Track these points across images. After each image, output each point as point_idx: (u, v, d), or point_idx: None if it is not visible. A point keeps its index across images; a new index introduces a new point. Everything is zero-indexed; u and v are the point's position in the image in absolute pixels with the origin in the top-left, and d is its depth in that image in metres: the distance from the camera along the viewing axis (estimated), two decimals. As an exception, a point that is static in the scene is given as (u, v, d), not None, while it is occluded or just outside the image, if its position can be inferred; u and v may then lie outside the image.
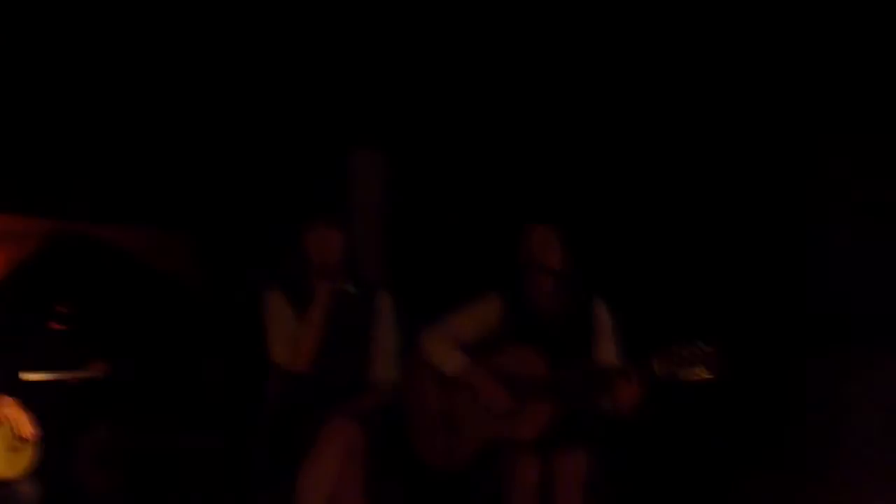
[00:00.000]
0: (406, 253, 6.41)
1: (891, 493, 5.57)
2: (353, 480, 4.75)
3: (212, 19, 6.34)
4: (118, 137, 7.00)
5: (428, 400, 5.19)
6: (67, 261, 6.63)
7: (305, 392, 5.08)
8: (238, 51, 6.53)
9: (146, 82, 6.77)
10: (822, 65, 5.77)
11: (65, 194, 6.77)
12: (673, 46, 5.97)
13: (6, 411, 4.66)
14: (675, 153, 6.02)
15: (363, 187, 6.70)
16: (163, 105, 6.96)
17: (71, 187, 6.83)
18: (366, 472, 4.81)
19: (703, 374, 4.55)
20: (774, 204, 5.98)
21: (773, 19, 5.73)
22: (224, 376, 6.66)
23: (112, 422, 6.37)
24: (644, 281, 5.89)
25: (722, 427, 5.86)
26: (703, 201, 5.99)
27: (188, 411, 6.60)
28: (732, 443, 5.86)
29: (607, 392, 4.84)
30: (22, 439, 4.63)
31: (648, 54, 6.03)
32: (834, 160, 5.89)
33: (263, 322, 5.14)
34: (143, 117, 6.95)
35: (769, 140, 5.97)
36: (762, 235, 5.98)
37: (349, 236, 5.20)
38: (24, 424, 4.65)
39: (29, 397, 4.81)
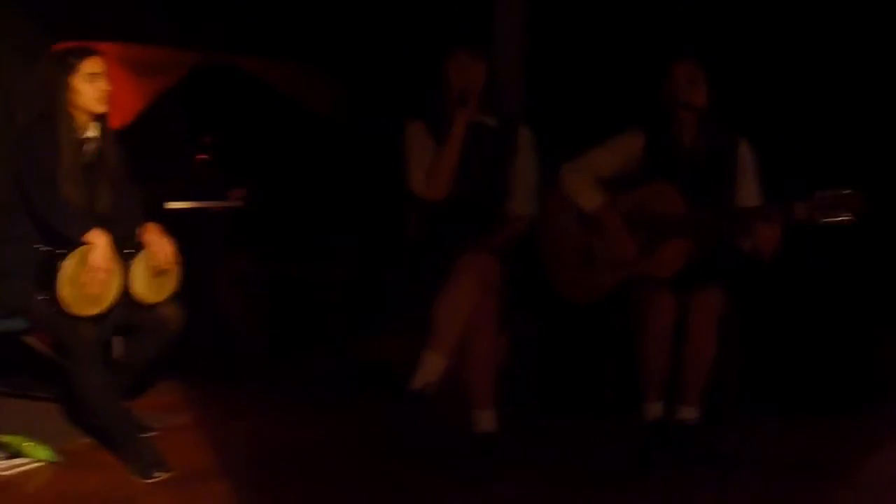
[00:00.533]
0: (548, 87, 6.33)
1: None
2: (488, 311, 4.77)
3: None
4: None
5: (566, 235, 5.20)
6: (214, 91, 6.70)
7: (443, 223, 5.10)
8: None
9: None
10: None
11: (214, 27, 6.81)
12: None
13: (151, 237, 4.74)
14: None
15: (505, 21, 6.60)
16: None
17: (220, 21, 6.87)
18: (501, 303, 4.83)
19: (844, 217, 4.46)
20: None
21: None
22: (365, 207, 6.72)
23: (253, 250, 6.48)
24: (788, 122, 5.72)
25: (859, 272, 5.74)
26: (852, 44, 5.77)
27: (326, 241, 6.69)
28: (868, 288, 5.75)
29: (747, 233, 4.77)
30: (166, 264, 4.73)
31: None
32: None
33: (403, 152, 5.15)
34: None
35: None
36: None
37: (491, 67, 5.14)
38: (169, 250, 4.74)
39: (173, 224, 4.88)
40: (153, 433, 4.89)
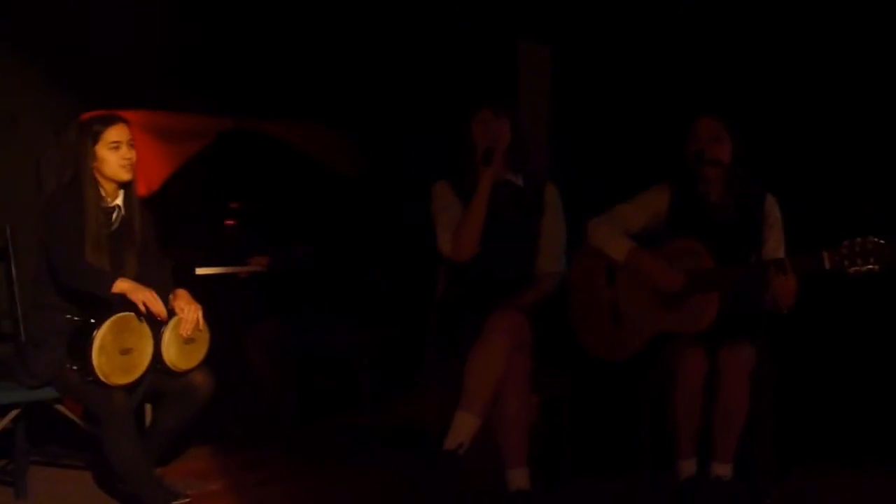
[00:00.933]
0: (573, 145, 6.35)
1: None
2: (520, 370, 4.77)
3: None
4: (290, 39, 7.08)
5: (595, 292, 5.19)
6: (239, 156, 6.74)
7: (472, 282, 5.11)
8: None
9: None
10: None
11: (240, 94, 6.87)
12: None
13: (182, 304, 4.76)
14: (850, 44, 5.80)
15: (530, 80, 6.64)
16: (335, 5, 7.01)
17: (246, 88, 6.94)
18: (532, 361, 4.82)
19: (872, 266, 4.46)
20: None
21: None
22: (389, 268, 6.73)
23: (281, 315, 6.49)
24: (814, 176, 5.71)
25: (885, 323, 5.70)
26: (877, 96, 5.76)
27: (355, 304, 6.69)
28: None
29: (766, 285, 4.76)
30: (196, 331, 4.74)
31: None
32: None
33: (431, 212, 5.17)
34: (312, 18, 7.00)
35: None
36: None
37: (516, 126, 5.16)
38: (198, 317, 4.75)
39: (202, 290, 4.90)
40: (185, 500, 4.87)
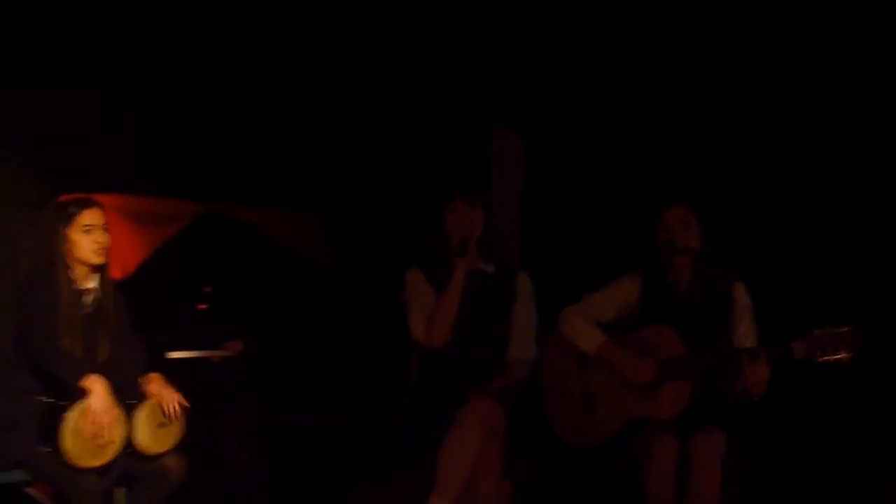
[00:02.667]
0: (544, 233, 6.40)
1: None
2: (493, 458, 4.81)
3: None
4: (265, 124, 7.14)
5: (567, 379, 5.22)
6: (214, 241, 6.76)
7: (445, 370, 5.13)
8: (379, 31, 6.59)
9: (284, 72, 6.90)
10: None
11: (213, 179, 6.91)
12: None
13: (155, 388, 4.74)
14: (814, 133, 5.89)
15: (503, 167, 6.71)
16: (301, 90, 7.07)
17: (219, 173, 6.97)
18: (505, 449, 4.83)
19: (843, 355, 4.51)
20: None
21: None
22: (361, 354, 6.74)
23: (254, 399, 6.48)
24: (782, 262, 5.77)
25: (857, 410, 5.74)
26: (842, 180, 5.85)
27: (327, 389, 6.69)
28: (867, 427, 5.74)
29: (738, 373, 4.79)
30: (170, 416, 4.72)
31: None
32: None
33: (403, 299, 5.20)
34: (282, 102, 7.07)
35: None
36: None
37: (488, 214, 5.21)
38: (173, 401, 4.73)
39: (175, 374, 4.89)
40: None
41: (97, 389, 4.48)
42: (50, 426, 4.47)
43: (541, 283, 5.34)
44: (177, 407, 4.71)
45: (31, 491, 5.00)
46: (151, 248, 6.41)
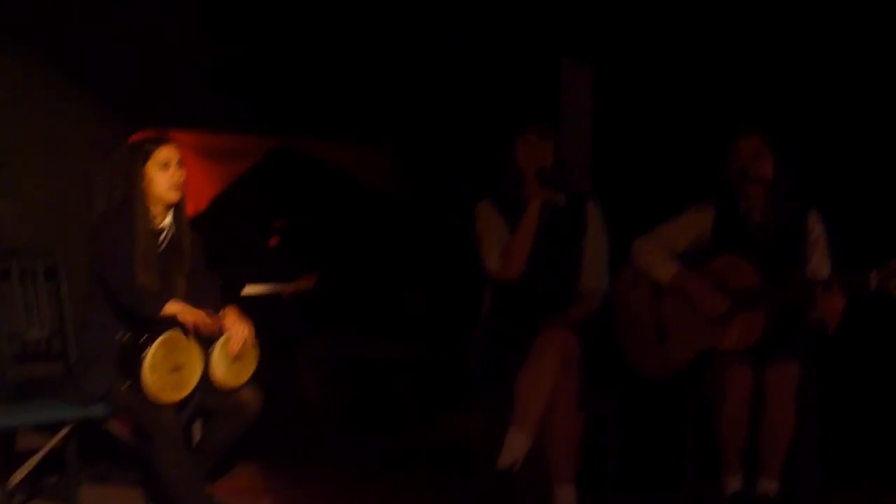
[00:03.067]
0: (615, 164, 6.37)
1: None
2: (569, 388, 4.81)
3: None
4: (337, 58, 7.14)
5: (641, 310, 5.21)
6: (285, 176, 6.79)
7: (518, 302, 5.14)
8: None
9: (358, 5, 6.89)
10: None
11: (285, 115, 6.93)
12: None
13: (231, 322, 4.79)
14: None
15: (573, 98, 6.67)
16: (375, 24, 7.06)
17: (291, 108, 6.99)
18: (580, 380, 4.84)
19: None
20: None
21: None
22: (433, 287, 6.75)
23: (328, 333, 6.53)
24: (860, 193, 5.69)
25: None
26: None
27: (402, 322, 6.72)
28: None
29: (812, 304, 4.75)
30: (244, 348, 4.78)
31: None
32: None
33: (475, 232, 5.20)
34: (360, 38, 7.07)
35: None
36: None
37: (559, 146, 5.19)
38: (247, 334, 4.79)
39: (250, 310, 4.93)
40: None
41: (178, 308, 4.59)
42: (129, 361, 4.56)
43: (612, 214, 5.33)
44: (248, 340, 4.77)
45: (111, 426, 5.11)
46: (223, 185, 6.44)
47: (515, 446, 4.73)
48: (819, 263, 5.04)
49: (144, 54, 6.27)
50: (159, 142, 4.80)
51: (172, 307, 4.59)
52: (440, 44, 7.08)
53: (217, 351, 4.73)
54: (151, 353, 4.52)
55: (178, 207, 4.87)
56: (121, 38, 6.20)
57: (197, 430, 5.30)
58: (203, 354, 4.68)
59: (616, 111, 6.48)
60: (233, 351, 4.75)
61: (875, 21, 5.78)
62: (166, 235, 4.85)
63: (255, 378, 4.87)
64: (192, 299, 4.76)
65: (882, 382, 5.72)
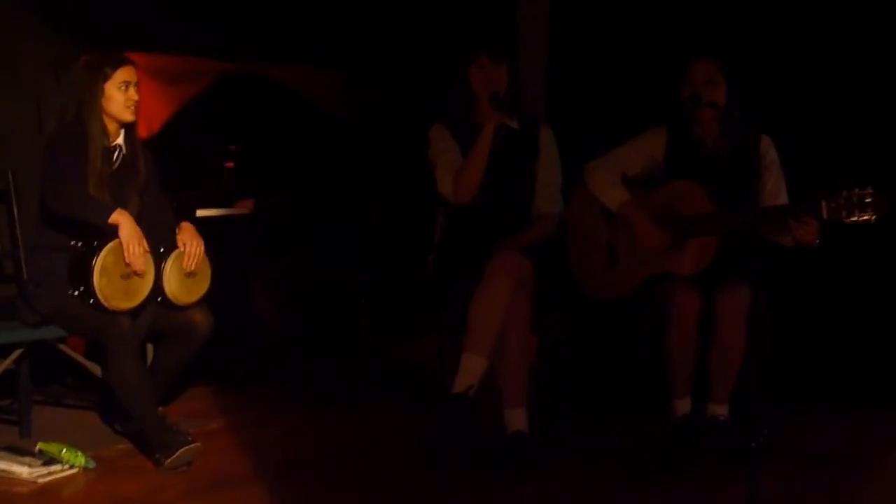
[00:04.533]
0: (570, 88, 6.35)
1: None
2: (522, 311, 4.81)
3: None
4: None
5: (592, 232, 5.23)
6: (239, 99, 6.74)
7: (471, 225, 5.14)
8: None
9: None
10: None
11: (237, 36, 6.88)
12: None
13: (184, 237, 4.82)
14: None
15: (528, 22, 6.63)
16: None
17: (245, 30, 6.94)
18: (533, 303, 4.86)
19: (869, 216, 4.48)
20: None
21: None
22: (387, 210, 6.74)
23: (283, 256, 6.52)
24: (809, 122, 5.71)
25: (881, 271, 5.74)
26: (877, 40, 5.75)
27: (354, 246, 6.71)
28: (890, 288, 5.75)
29: (783, 229, 4.77)
30: (198, 265, 4.80)
31: None
32: None
33: (429, 156, 5.19)
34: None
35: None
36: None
37: (514, 70, 5.17)
38: (201, 250, 4.81)
39: (205, 232, 4.93)
40: (189, 442, 4.90)
41: (124, 221, 4.56)
42: (80, 267, 4.58)
43: (568, 137, 5.33)
44: (202, 257, 4.79)
45: (63, 348, 5.10)
46: (177, 107, 6.39)
47: (470, 370, 4.72)
48: (774, 188, 5.06)
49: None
50: (121, 62, 4.82)
51: (119, 217, 4.55)
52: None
53: (170, 265, 4.75)
54: (102, 257, 4.54)
55: (130, 128, 4.88)
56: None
57: (149, 354, 5.32)
58: (154, 266, 4.69)
59: (572, 33, 6.44)
60: (187, 266, 4.78)
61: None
62: (118, 154, 4.85)
63: (209, 299, 4.89)
64: (146, 219, 4.76)
65: (831, 306, 5.77)
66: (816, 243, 4.72)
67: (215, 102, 6.59)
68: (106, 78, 4.76)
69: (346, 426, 5.50)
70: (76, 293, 4.60)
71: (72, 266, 4.63)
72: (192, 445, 4.66)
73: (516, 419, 4.79)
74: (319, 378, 6.41)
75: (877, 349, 5.71)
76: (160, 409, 4.86)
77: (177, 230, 4.85)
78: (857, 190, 4.50)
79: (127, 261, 4.55)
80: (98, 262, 4.52)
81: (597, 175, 5.14)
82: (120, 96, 4.77)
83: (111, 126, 4.82)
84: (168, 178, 5.16)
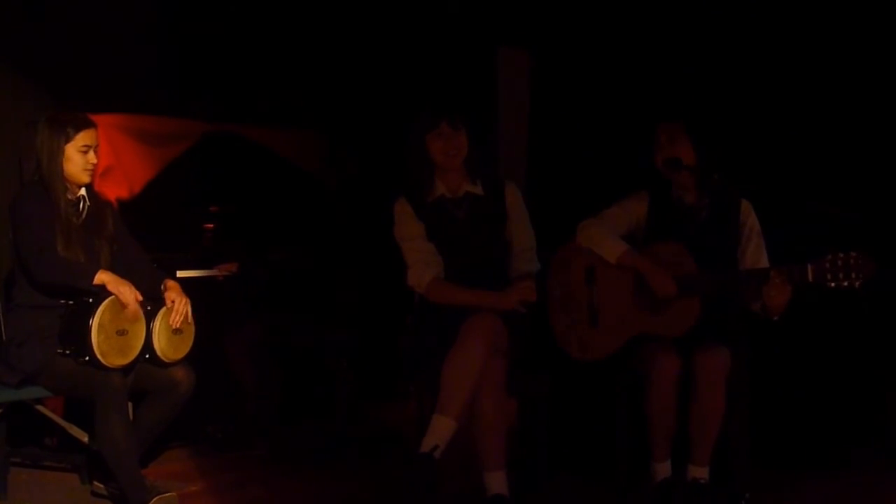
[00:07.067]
0: (552, 154, 6.39)
1: None
2: (497, 374, 4.78)
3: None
4: (271, 43, 7.12)
5: (574, 292, 5.20)
6: (221, 160, 6.76)
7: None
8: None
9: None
10: None
11: (220, 98, 6.91)
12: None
13: (173, 295, 4.87)
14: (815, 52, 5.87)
15: (509, 90, 6.69)
16: (306, 9, 7.05)
17: (225, 91, 6.97)
18: (509, 364, 4.85)
19: (854, 282, 4.51)
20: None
21: None
22: (367, 272, 6.74)
23: (262, 318, 6.51)
24: (788, 181, 5.75)
25: (863, 335, 5.77)
26: (852, 99, 5.82)
27: (330, 308, 6.70)
28: (872, 351, 5.78)
29: (758, 294, 4.79)
30: (185, 323, 4.84)
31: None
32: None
33: (394, 234, 5.18)
34: (293, 22, 7.05)
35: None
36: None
37: (472, 137, 5.14)
38: (188, 309, 4.87)
39: (186, 293, 4.95)
40: (170, 494, 4.86)
41: (108, 278, 4.64)
42: (75, 325, 4.61)
43: (549, 198, 5.34)
44: (187, 312, 4.85)
45: (41, 408, 5.07)
46: (158, 168, 6.41)
47: (438, 431, 4.67)
48: (755, 253, 5.08)
49: (81, 37, 6.23)
50: (83, 125, 4.90)
51: (103, 276, 4.64)
52: (379, 31, 7.06)
53: (159, 321, 4.80)
54: (99, 314, 4.58)
55: (88, 187, 4.98)
56: (57, 19, 6.16)
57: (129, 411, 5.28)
58: (145, 322, 4.72)
59: (554, 101, 6.50)
60: (174, 323, 4.83)
61: (791, 15, 5.85)
62: (84, 205, 4.94)
63: (190, 362, 4.89)
64: (118, 269, 4.80)
65: (811, 369, 5.78)
66: (781, 311, 4.75)
67: (197, 164, 6.60)
68: (68, 139, 4.84)
69: (322, 488, 5.46)
70: (67, 352, 4.62)
71: (64, 324, 4.66)
72: (167, 495, 4.69)
73: (496, 482, 4.75)
74: (299, 440, 6.37)
75: (859, 414, 5.72)
76: (140, 471, 4.83)
77: (162, 287, 4.91)
78: (841, 254, 4.53)
79: (125, 304, 4.61)
80: (95, 320, 4.56)
81: (592, 230, 5.13)
82: (79, 159, 4.85)
83: (70, 185, 4.90)
84: (148, 239, 5.18)
